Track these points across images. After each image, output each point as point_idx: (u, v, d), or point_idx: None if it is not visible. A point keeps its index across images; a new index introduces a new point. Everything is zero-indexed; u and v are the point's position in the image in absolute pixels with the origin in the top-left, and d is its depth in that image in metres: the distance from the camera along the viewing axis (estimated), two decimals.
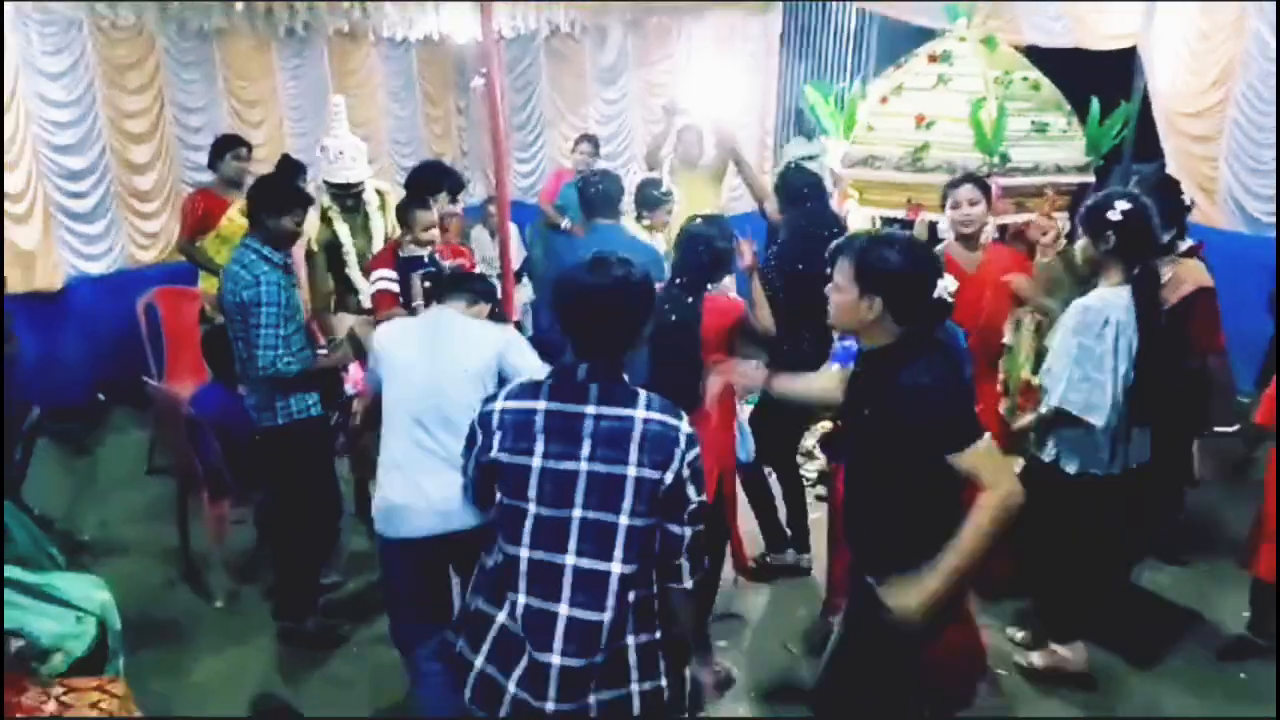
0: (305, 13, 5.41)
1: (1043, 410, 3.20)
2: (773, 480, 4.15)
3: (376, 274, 4.03)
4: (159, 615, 3.86)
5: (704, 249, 3.29)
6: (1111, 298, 3.02)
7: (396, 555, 2.84)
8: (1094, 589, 3.42)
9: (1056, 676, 3.41)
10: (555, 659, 1.91)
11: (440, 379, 2.79)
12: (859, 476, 2.41)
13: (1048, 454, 3.20)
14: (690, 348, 3.22)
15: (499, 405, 2.03)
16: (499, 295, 3.36)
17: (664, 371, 3.33)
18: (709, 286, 3.32)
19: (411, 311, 3.82)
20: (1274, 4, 5.54)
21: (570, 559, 1.94)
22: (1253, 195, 5.92)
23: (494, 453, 2.00)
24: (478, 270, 4.52)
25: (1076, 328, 3.05)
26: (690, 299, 3.27)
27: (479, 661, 2.01)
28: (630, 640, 1.97)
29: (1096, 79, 5.11)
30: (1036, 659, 3.47)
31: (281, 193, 3.54)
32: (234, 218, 5.10)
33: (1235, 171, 5.96)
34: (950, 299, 2.86)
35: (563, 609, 1.92)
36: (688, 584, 2.02)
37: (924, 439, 2.13)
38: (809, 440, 4.99)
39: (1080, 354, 3.04)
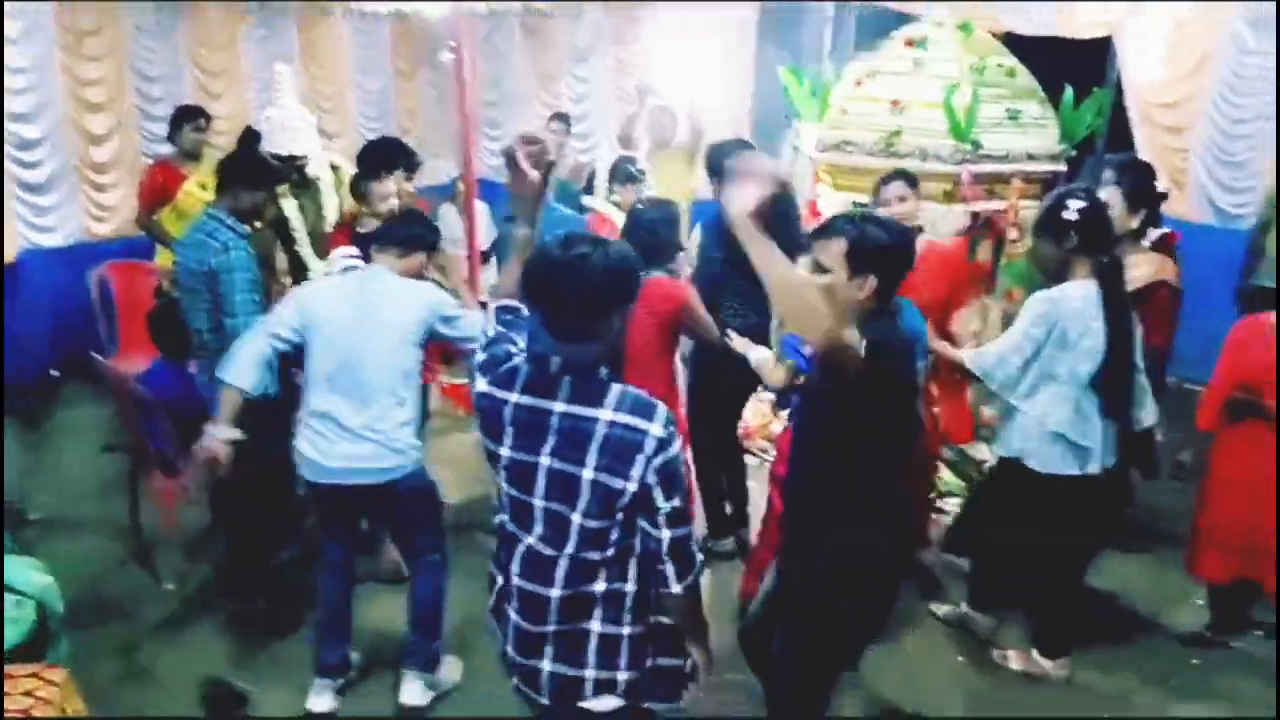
0: None
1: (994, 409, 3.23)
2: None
3: (338, 252, 3.90)
4: (108, 594, 3.77)
5: (645, 232, 3.29)
6: (1075, 291, 3.01)
7: (314, 497, 3.12)
8: (1075, 593, 3.42)
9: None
10: (513, 616, 2.04)
11: (360, 342, 2.83)
12: (807, 452, 2.41)
13: (1012, 451, 3.17)
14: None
15: (479, 387, 2.01)
16: (437, 240, 3.27)
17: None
18: (652, 271, 3.24)
19: None
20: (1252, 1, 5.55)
21: (530, 539, 1.98)
22: (1223, 188, 5.94)
23: (479, 431, 2.04)
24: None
25: (1034, 319, 3.04)
26: None
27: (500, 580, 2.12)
28: (595, 626, 1.98)
29: (1071, 67, 5.10)
30: (1014, 662, 3.45)
31: (259, 166, 3.55)
32: (192, 191, 4.97)
33: (1206, 164, 5.98)
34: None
35: (515, 579, 2.02)
36: (675, 589, 1.96)
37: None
38: (775, 425, 4.96)
39: (1031, 348, 3.03)
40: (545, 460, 1.91)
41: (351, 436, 2.90)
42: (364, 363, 2.85)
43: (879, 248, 2.20)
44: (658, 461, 1.87)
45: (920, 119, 4.57)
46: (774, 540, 3.34)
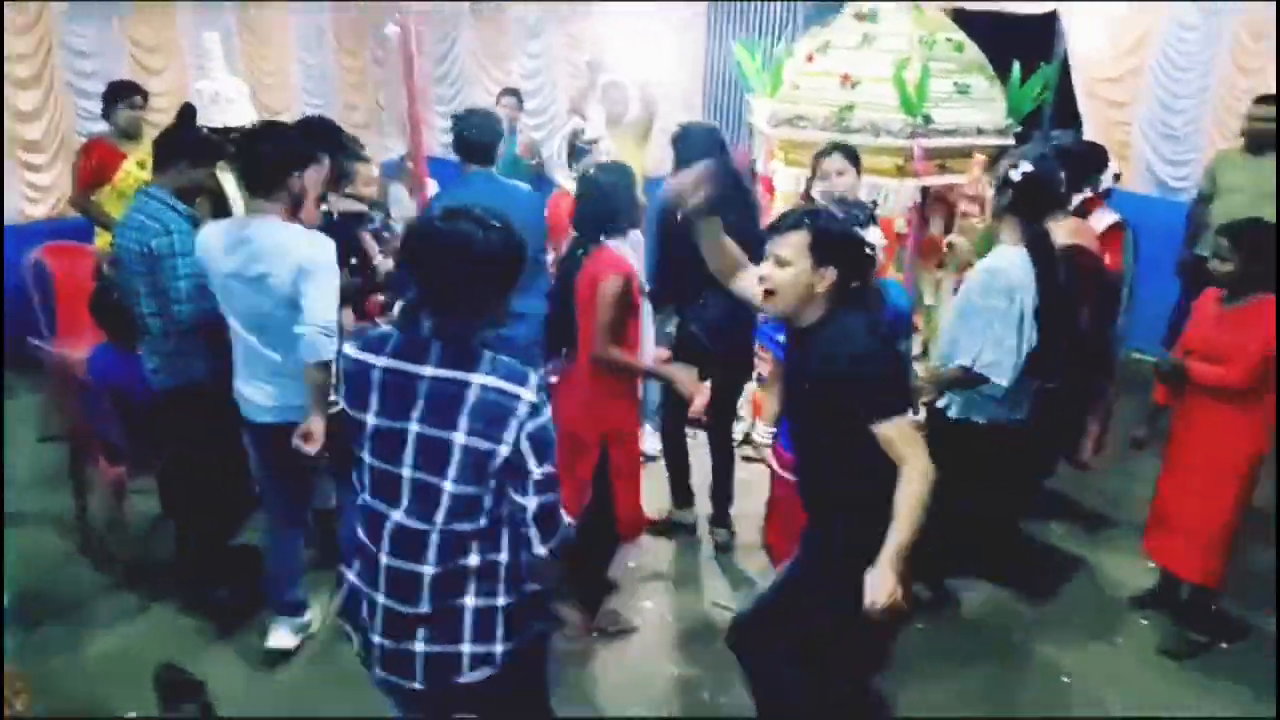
0: None
1: (944, 368, 3.32)
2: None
3: None
4: (55, 590, 3.67)
5: (599, 198, 3.17)
6: (1012, 257, 3.13)
7: (247, 434, 3.17)
8: (1001, 534, 3.58)
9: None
10: (380, 598, 2.00)
11: (252, 290, 2.88)
12: (807, 442, 2.46)
13: (954, 409, 3.31)
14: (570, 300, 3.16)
15: (349, 351, 2.01)
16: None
17: (554, 321, 3.30)
18: (603, 239, 3.17)
19: (370, 277, 3.68)
20: None
21: (397, 514, 1.97)
22: (1165, 160, 6.07)
23: (341, 399, 2.02)
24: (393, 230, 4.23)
25: (983, 290, 3.15)
26: (580, 250, 3.16)
27: (350, 576, 2.10)
28: (469, 601, 1.97)
29: (1019, 43, 5.14)
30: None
31: (201, 141, 3.40)
32: (131, 170, 4.79)
33: (1149, 137, 6.10)
34: (876, 251, 2.87)
35: (384, 558, 1.99)
36: (539, 550, 1.98)
37: (857, 404, 2.19)
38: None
39: (989, 315, 3.12)
40: (414, 427, 1.90)
41: (276, 373, 3.01)
42: (262, 309, 2.92)
43: (844, 238, 2.22)
44: (530, 426, 1.87)
45: (871, 94, 4.57)
46: (778, 525, 3.38)
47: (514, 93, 6.59)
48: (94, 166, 4.92)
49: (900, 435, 2.18)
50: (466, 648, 1.98)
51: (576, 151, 4.36)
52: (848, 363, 2.19)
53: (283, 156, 2.92)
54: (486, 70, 8.13)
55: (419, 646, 1.98)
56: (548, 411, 1.90)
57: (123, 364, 3.62)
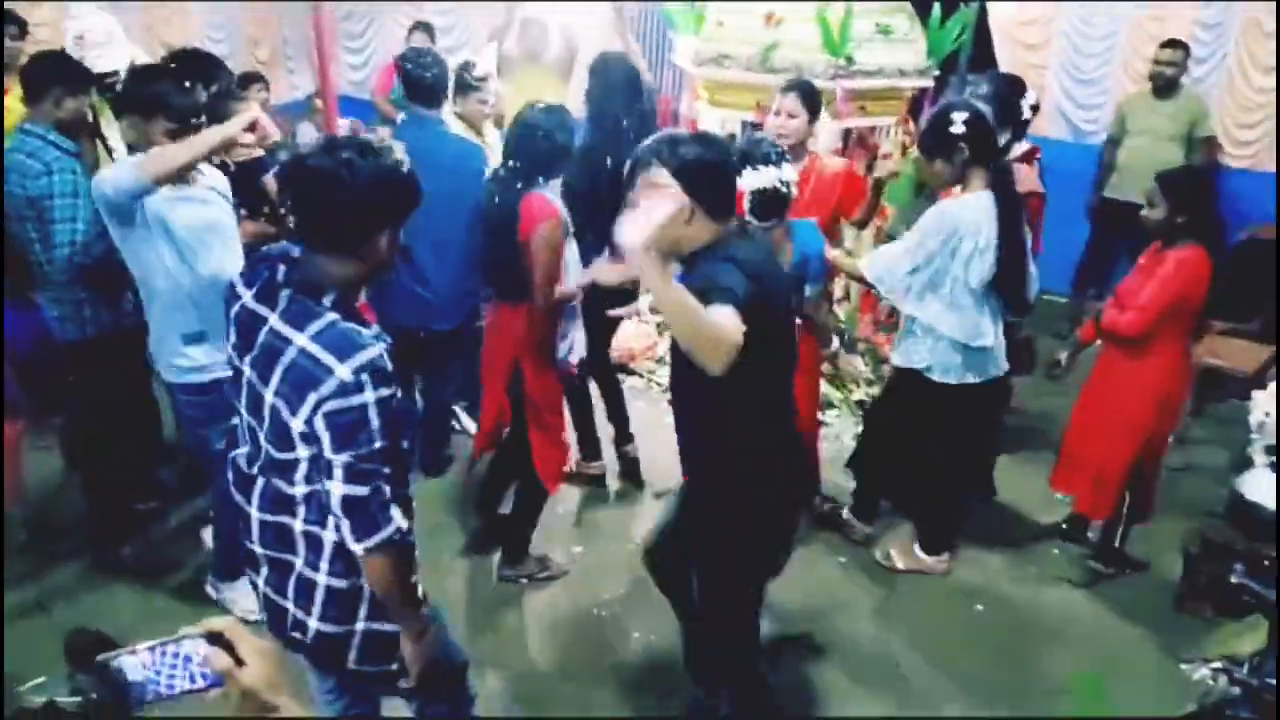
0: None
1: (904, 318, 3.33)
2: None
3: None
4: None
5: (542, 136, 3.05)
6: (973, 202, 3.09)
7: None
8: (962, 496, 3.62)
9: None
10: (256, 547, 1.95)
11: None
12: (676, 393, 2.37)
13: (914, 363, 3.28)
14: (512, 239, 3.05)
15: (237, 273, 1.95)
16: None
17: (491, 260, 3.20)
18: (540, 180, 3.10)
19: (277, 221, 3.40)
20: None
21: (237, 451, 1.95)
22: (1078, 104, 6.21)
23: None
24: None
25: (931, 231, 3.11)
26: (519, 186, 3.06)
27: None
28: (296, 562, 1.88)
29: None
30: (898, 559, 3.63)
31: (68, 66, 3.11)
32: (12, 108, 4.46)
33: (1062, 81, 6.22)
34: (790, 189, 2.84)
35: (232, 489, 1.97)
36: (353, 546, 1.76)
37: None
38: (661, 346, 4.97)
39: (923, 256, 3.12)
40: (247, 370, 1.81)
41: None
42: None
43: (700, 167, 2.05)
44: (330, 406, 1.66)
45: (795, 34, 4.54)
46: None
47: (425, 26, 6.34)
48: None
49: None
50: (290, 605, 1.91)
51: (464, 87, 4.14)
52: (700, 281, 1.98)
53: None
54: (398, 5, 7.81)
55: (259, 583, 1.97)
56: (365, 396, 1.67)
57: (16, 316, 3.41)
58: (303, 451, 1.74)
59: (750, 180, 2.78)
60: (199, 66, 3.45)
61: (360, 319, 1.79)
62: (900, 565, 3.62)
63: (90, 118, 3.23)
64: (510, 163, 3.12)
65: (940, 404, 3.25)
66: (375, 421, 1.70)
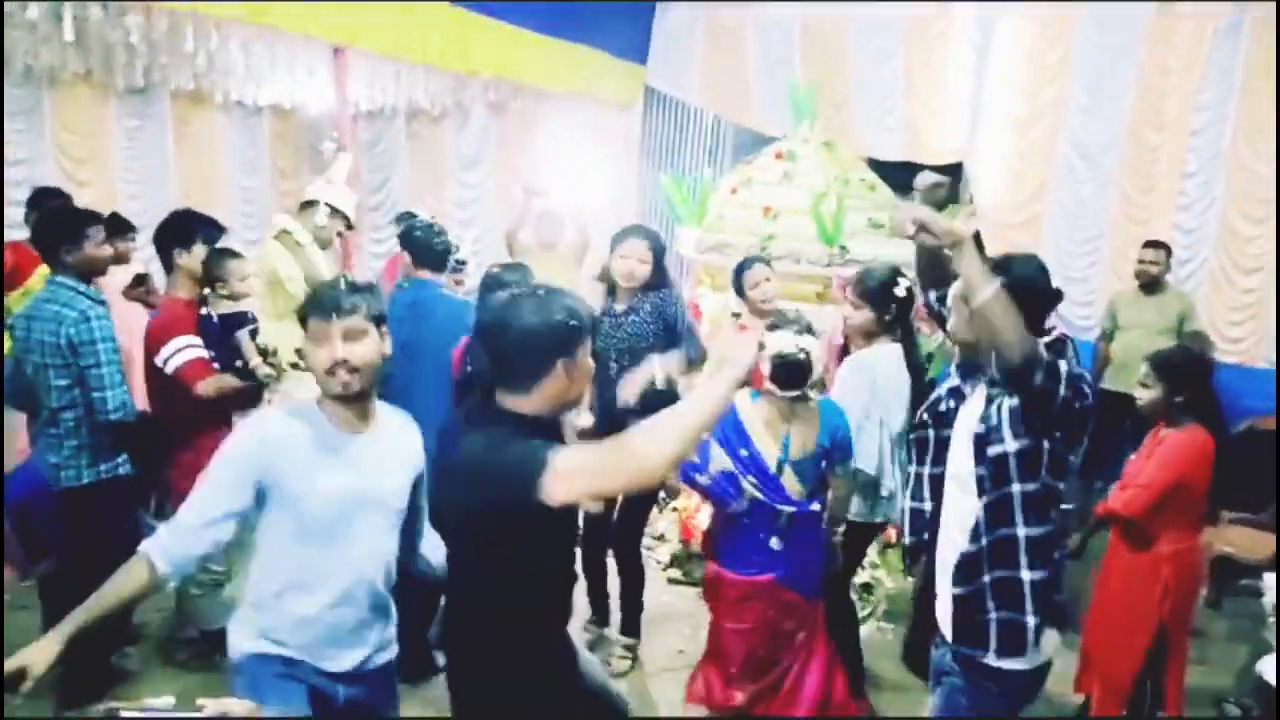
0: (145, 54, 5.08)
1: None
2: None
3: (178, 342, 3.45)
4: None
5: (499, 286, 3.24)
6: (887, 353, 3.36)
7: None
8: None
9: None
10: None
11: None
12: None
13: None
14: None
15: None
16: None
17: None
18: None
19: (248, 375, 3.54)
20: (1080, 131, 6.16)
21: None
22: (1067, 301, 6.41)
23: None
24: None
25: (854, 386, 3.33)
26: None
27: None
28: None
29: None
30: None
31: (66, 215, 3.28)
32: (46, 273, 4.70)
33: (1054, 279, 6.45)
34: (809, 359, 3.02)
35: None
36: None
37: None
38: (660, 524, 4.92)
39: (856, 406, 3.28)
40: None
41: None
42: None
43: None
44: None
45: (791, 225, 4.80)
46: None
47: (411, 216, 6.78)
48: (8, 269, 4.80)
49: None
50: None
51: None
52: None
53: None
54: (422, 199, 8.29)
55: None
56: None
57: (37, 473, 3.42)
58: None
59: (772, 341, 2.93)
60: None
61: None
62: None
63: (107, 260, 3.34)
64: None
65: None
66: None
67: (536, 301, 1.94)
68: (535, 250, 5.67)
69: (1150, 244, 5.53)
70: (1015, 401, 2.21)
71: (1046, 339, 3.86)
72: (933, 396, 2.62)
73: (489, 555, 1.98)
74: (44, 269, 4.68)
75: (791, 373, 2.96)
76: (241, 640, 2.15)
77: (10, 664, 1.78)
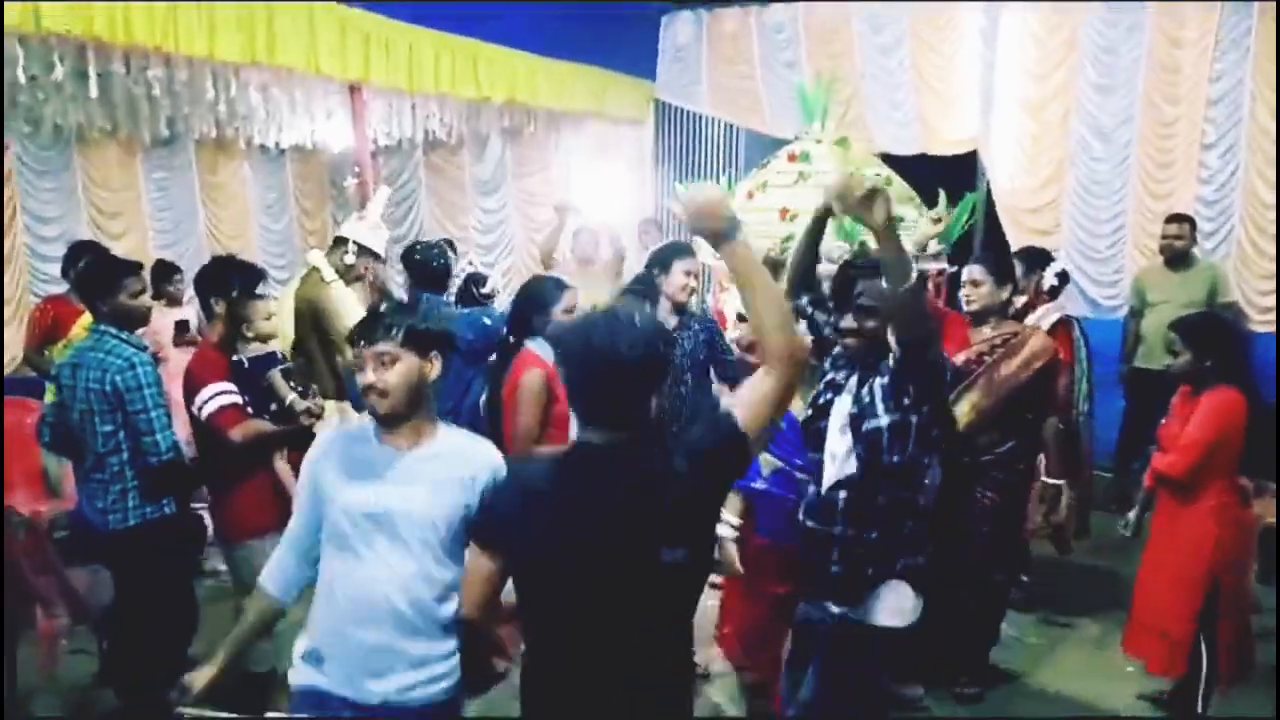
0: (168, 106, 5.24)
1: None
2: None
3: (211, 389, 3.39)
4: None
5: (524, 300, 3.37)
6: None
7: None
8: None
9: None
10: None
11: None
12: None
13: None
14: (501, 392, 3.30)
15: None
16: None
17: (489, 415, 3.53)
18: (525, 343, 3.32)
19: (288, 414, 3.55)
20: (1094, 109, 6.12)
21: None
22: (1093, 281, 6.36)
23: None
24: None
25: None
26: (509, 350, 3.34)
27: None
28: None
29: (944, 179, 5.46)
30: None
31: (102, 266, 3.36)
32: (88, 326, 4.83)
33: (1075, 260, 6.40)
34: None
35: None
36: None
37: None
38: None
39: None
40: None
41: None
42: None
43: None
44: None
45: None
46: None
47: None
48: (49, 323, 4.95)
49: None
50: None
51: (468, 297, 4.48)
52: None
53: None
54: (444, 227, 8.41)
55: None
56: None
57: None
58: None
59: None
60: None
61: None
62: None
63: (147, 309, 3.40)
64: (507, 329, 3.43)
65: None
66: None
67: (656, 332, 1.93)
68: (573, 267, 5.70)
69: (1173, 218, 5.48)
70: (885, 380, 2.52)
71: (1051, 321, 3.95)
72: (812, 393, 2.77)
73: (681, 567, 1.82)
74: (86, 319, 4.84)
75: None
76: (292, 671, 2.19)
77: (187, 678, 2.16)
